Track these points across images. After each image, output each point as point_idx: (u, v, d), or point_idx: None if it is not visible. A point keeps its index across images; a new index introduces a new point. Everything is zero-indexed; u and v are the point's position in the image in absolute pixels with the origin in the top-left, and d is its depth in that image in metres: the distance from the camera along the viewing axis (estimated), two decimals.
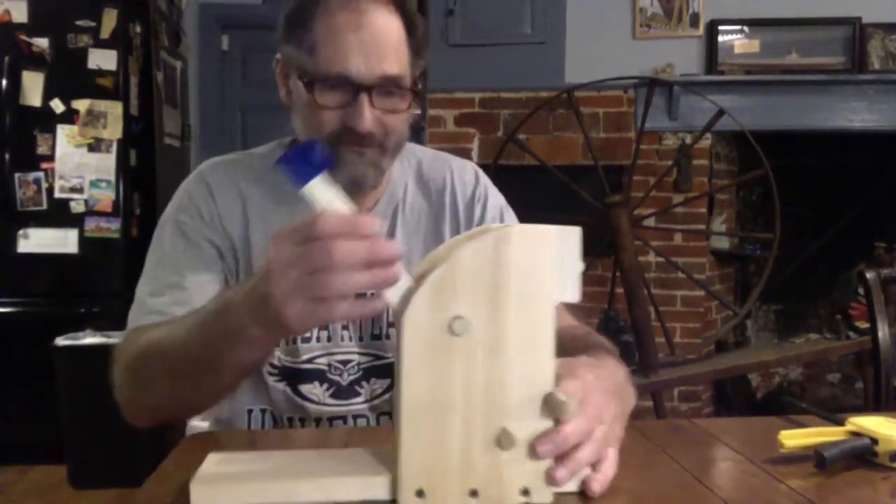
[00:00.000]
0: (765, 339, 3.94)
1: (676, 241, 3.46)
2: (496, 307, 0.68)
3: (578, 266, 0.70)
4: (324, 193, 0.68)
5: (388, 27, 0.98)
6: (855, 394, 3.61)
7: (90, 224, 3.12)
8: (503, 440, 0.68)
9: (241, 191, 1.08)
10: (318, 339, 1.08)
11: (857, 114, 3.37)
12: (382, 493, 0.69)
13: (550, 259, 0.69)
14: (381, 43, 0.97)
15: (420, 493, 0.68)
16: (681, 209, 3.38)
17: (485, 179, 1.20)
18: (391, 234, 1.11)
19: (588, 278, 3.36)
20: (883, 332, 1.76)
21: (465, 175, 1.18)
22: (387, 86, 0.98)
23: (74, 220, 3.11)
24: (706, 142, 3.45)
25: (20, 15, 3.08)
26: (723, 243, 3.79)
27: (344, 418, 1.08)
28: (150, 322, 0.95)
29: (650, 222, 3.27)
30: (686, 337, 3.47)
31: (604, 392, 0.74)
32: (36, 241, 3.09)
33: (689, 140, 3.38)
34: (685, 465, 0.80)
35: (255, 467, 0.73)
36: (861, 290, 2.43)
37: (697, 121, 3.27)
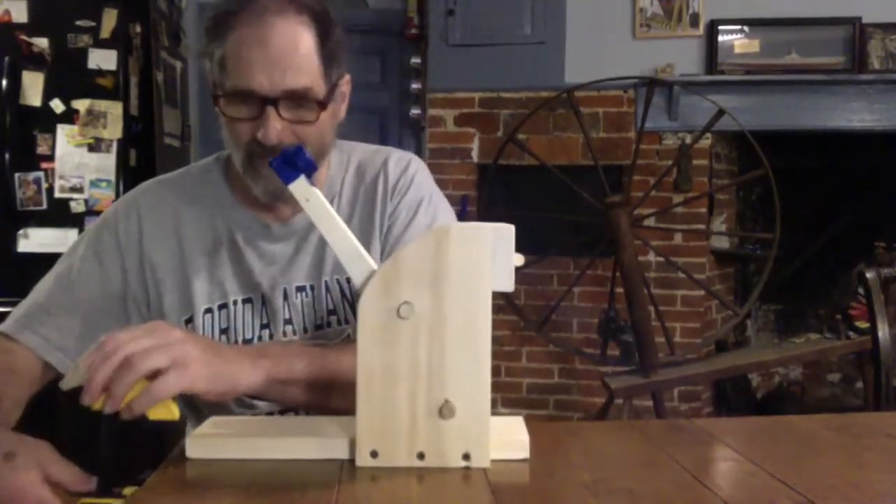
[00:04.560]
0: (765, 339, 3.94)
1: (676, 240, 3.46)
2: (438, 295, 0.78)
3: (514, 260, 0.78)
4: (304, 191, 0.84)
5: (294, 40, 0.98)
6: (855, 394, 3.61)
7: (90, 224, 3.11)
8: (444, 410, 0.78)
9: (176, 210, 1.12)
10: (261, 338, 1.10)
11: (857, 114, 3.37)
12: (343, 453, 0.80)
13: (486, 254, 0.77)
14: (285, 57, 0.97)
15: (374, 454, 0.78)
16: (681, 209, 3.38)
17: (414, 172, 1.16)
18: None
19: (588, 278, 3.37)
20: (883, 332, 1.77)
21: (397, 166, 1.16)
22: (293, 98, 0.98)
23: (74, 220, 3.10)
24: (706, 142, 3.45)
25: (20, 15, 3.08)
26: (723, 243, 3.79)
27: (296, 410, 1.07)
28: (21, 337, 1.10)
29: (650, 222, 3.26)
30: (686, 337, 3.46)
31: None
32: (36, 240, 3.09)
33: (689, 140, 3.38)
34: (685, 465, 0.80)
35: (243, 429, 0.87)
36: (861, 290, 2.43)
37: (697, 121, 3.27)
